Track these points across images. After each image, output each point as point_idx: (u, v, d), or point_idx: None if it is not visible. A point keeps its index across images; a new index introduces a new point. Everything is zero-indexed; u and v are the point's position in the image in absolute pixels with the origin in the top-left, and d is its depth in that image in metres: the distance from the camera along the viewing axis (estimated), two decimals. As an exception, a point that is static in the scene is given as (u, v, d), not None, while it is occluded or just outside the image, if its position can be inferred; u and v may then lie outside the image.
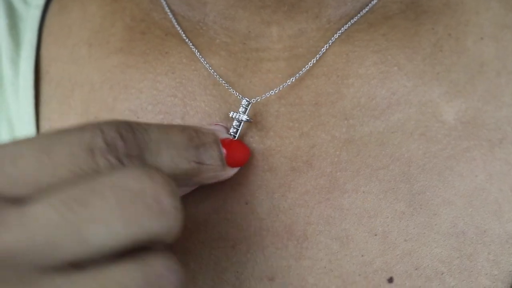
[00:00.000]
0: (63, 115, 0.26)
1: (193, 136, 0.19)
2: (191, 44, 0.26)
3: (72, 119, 0.26)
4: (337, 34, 0.25)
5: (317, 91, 0.24)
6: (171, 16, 0.27)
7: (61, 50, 0.28)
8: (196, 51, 0.25)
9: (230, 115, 0.23)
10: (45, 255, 0.14)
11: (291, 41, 0.25)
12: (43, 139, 0.16)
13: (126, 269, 0.15)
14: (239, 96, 0.24)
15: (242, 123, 0.23)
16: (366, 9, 0.25)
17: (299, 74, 0.24)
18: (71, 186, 0.15)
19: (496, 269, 0.22)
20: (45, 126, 0.27)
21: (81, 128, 0.16)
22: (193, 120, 0.24)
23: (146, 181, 0.15)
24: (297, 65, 0.25)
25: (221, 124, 0.23)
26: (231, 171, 0.21)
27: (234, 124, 0.23)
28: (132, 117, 0.25)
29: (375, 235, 0.22)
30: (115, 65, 0.26)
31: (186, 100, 0.24)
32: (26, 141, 0.16)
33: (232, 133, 0.23)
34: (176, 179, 0.17)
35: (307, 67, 0.24)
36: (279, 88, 0.24)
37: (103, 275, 0.14)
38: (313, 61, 0.24)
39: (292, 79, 0.24)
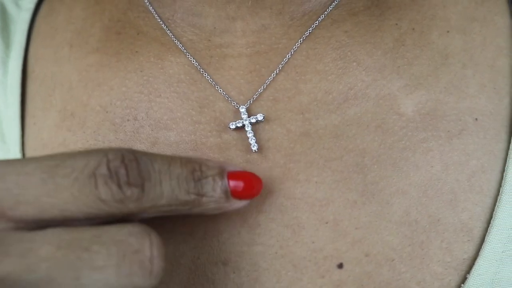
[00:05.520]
0: (45, 112, 0.28)
1: (196, 169, 0.19)
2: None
3: (53, 116, 0.27)
4: (306, 33, 0.26)
5: (275, 87, 0.25)
6: (150, 7, 0.28)
7: (46, 50, 0.30)
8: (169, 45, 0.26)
9: (232, 127, 0.24)
10: (39, 287, 0.15)
11: (254, 36, 0.26)
12: (49, 160, 0.16)
13: None
14: (236, 106, 0.25)
15: (250, 128, 0.24)
16: (331, 7, 0.26)
17: (276, 71, 0.25)
18: (78, 228, 0.16)
19: (448, 256, 0.23)
20: (30, 122, 0.29)
21: (87, 153, 0.17)
22: (156, 115, 0.25)
23: (145, 241, 0.16)
24: (258, 62, 0.26)
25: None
26: (239, 203, 0.21)
27: (248, 134, 0.24)
28: (101, 112, 0.26)
29: (326, 223, 0.23)
30: (91, 64, 0.28)
31: (151, 97, 0.26)
32: (33, 160, 0.16)
33: (252, 144, 0.24)
34: (176, 209, 0.19)
35: (283, 63, 0.25)
36: (263, 86, 0.25)
37: None
38: (285, 60, 0.25)
39: (273, 75, 0.25)
